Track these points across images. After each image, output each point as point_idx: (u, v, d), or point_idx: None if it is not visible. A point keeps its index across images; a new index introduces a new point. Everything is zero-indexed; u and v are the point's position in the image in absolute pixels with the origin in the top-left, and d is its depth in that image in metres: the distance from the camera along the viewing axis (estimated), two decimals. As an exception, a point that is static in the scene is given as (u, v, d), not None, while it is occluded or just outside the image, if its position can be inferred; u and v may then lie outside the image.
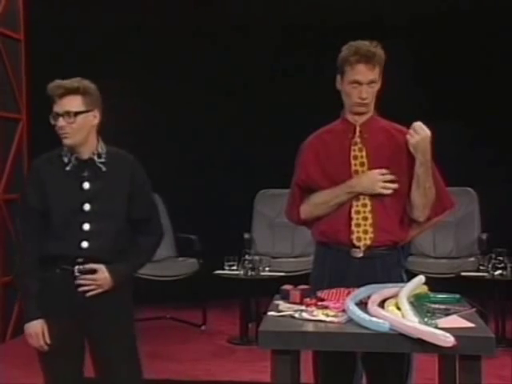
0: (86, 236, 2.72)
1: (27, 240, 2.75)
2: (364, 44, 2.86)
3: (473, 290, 4.45)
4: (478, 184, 5.89)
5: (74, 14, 5.78)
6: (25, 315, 2.76)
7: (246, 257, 5.27)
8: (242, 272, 5.21)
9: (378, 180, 2.86)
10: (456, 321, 2.42)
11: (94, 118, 2.75)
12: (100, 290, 2.72)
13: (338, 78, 2.91)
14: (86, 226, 2.72)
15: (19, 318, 5.49)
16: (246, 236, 5.97)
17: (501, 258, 5.00)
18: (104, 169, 2.75)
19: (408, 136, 2.85)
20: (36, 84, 5.69)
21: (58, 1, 5.72)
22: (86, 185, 2.73)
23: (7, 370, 4.55)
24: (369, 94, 2.86)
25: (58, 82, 2.74)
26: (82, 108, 2.71)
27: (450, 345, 2.21)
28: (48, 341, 2.71)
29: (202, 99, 6.23)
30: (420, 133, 2.83)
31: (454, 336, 2.22)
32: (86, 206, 2.72)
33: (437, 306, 2.55)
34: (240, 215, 6.02)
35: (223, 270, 5.29)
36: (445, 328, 2.28)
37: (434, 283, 2.82)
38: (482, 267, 5.15)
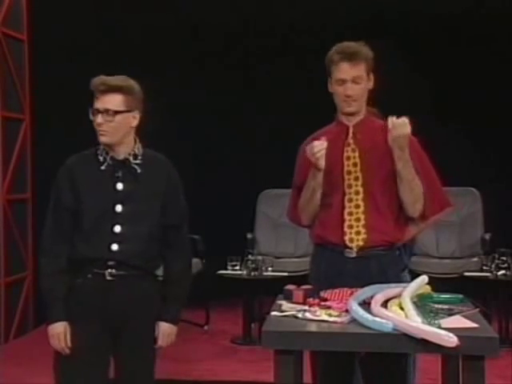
0: (117, 238, 2.66)
1: (56, 241, 2.68)
2: (347, 43, 2.90)
3: (476, 290, 4.45)
4: (482, 184, 5.88)
5: (77, 14, 5.78)
6: (48, 316, 2.70)
7: (249, 257, 5.27)
8: (244, 272, 5.21)
9: (311, 154, 2.83)
10: (459, 321, 2.42)
11: (133, 118, 2.72)
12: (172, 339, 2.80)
13: (329, 80, 2.93)
14: (117, 228, 2.66)
15: (22, 318, 5.51)
16: (249, 236, 5.97)
17: (504, 258, 5.00)
18: (139, 170, 2.72)
19: (391, 124, 2.82)
20: (39, 84, 5.71)
21: (61, 1, 5.72)
22: (120, 185, 2.69)
23: (11, 370, 4.56)
24: (354, 90, 2.87)
25: (102, 77, 2.69)
26: (122, 107, 2.67)
27: (453, 345, 2.21)
28: (69, 344, 2.66)
29: (203, 99, 6.23)
30: (398, 130, 2.80)
31: (458, 336, 2.22)
32: (118, 208, 2.67)
33: (440, 306, 2.55)
34: (243, 215, 6.02)
35: (226, 270, 5.30)
36: (448, 328, 2.28)
37: (437, 283, 2.81)
38: (485, 267, 5.14)
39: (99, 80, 2.68)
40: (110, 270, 2.67)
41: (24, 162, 5.67)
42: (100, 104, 2.67)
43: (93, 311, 2.67)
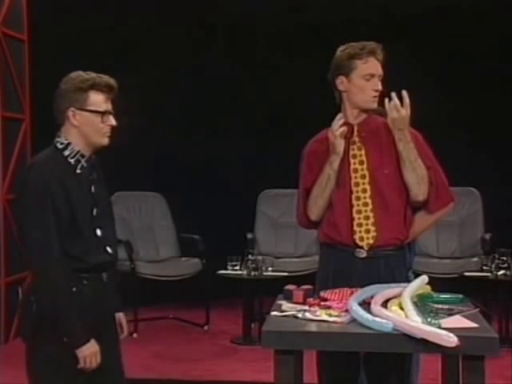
0: (104, 242, 2.60)
1: (60, 254, 2.48)
2: (365, 42, 2.90)
3: (476, 290, 4.45)
4: (482, 184, 5.88)
5: (77, 14, 5.79)
6: (74, 338, 2.50)
7: (249, 257, 5.27)
8: (244, 272, 5.21)
9: (332, 140, 2.86)
10: (459, 321, 2.42)
11: None
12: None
13: (342, 78, 2.91)
14: (99, 232, 2.60)
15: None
16: (249, 236, 5.97)
17: (504, 258, 4.99)
18: (98, 171, 2.66)
19: (388, 108, 2.82)
20: (39, 84, 5.71)
21: (61, 1, 5.72)
22: (93, 188, 2.61)
23: (11, 370, 4.56)
24: (380, 87, 2.89)
25: (106, 77, 2.58)
26: None
27: (453, 345, 2.21)
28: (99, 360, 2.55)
29: (203, 100, 6.23)
30: (401, 112, 2.81)
31: (458, 336, 2.21)
32: (94, 211, 2.60)
33: (440, 306, 2.55)
34: (243, 215, 6.02)
35: (226, 270, 5.29)
36: (448, 328, 2.28)
37: (437, 283, 2.81)
38: (485, 267, 5.14)
39: (108, 80, 2.59)
40: (105, 273, 2.62)
41: (24, 162, 5.64)
42: (109, 105, 2.59)
43: (88, 316, 2.57)
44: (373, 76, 2.87)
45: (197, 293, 5.73)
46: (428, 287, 2.73)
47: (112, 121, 2.58)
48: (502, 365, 4.30)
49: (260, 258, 5.33)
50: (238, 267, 5.25)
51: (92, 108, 2.55)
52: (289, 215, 5.51)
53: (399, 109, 2.80)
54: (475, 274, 5.25)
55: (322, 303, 2.59)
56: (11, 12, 5.48)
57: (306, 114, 5.55)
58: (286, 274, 5.28)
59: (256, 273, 5.20)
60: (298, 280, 3.10)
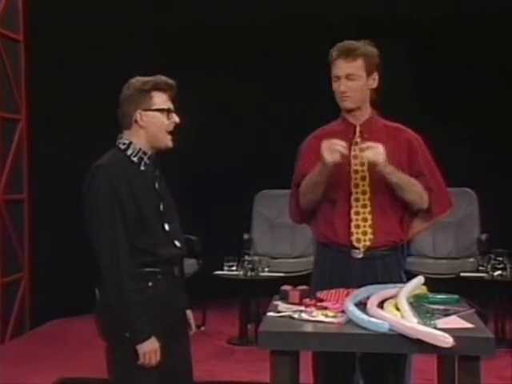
0: (171, 236, 2.65)
1: (126, 252, 2.52)
2: (347, 41, 2.91)
3: (472, 291, 4.44)
4: (478, 185, 5.89)
5: (73, 14, 5.77)
6: (135, 335, 2.52)
7: (246, 257, 5.27)
8: (241, 273, 5.22)
9: (329, 149, 2.78)
10: (455, 321, 2.42)
11: None
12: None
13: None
14: (167, 227, 2.64)
15: (18, 319, 5.50)
16: (246, 237, 5.97)
17: (500, 259, 5.00)
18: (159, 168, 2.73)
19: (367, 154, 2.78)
20: (35, 85, 5.70)
21: (57, 1, 5.71)
22: (157, 184, 2.67)
23: (7, 371, 4.55)
24: (348, 87, 2.87)
25: (164, 77, 2.71)
26: None
27: (448, 345, 2.21)
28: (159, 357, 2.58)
29: (201, 99, 6.23)
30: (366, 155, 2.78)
31: (453, 336, 2.22)
32: (161, 206, 2.65)
33: (436, 306, 2.56)
34: (240, 216, 6.02)
35: (223, 270, 5.29)
36: (444, 328, 2.28)
37: (433, 284, 2.82)
38: (481, 268, 5.15)
39: (168, 79, 2.70)
40: (176, 267, 2.68)
41: (20, 163, 5.66)
42: (171, 103, 2.66)
43: (162, 310, 2.63)
44: (339, 77, 2.88)
45: (193, 293, 5.70)
46: (424, 288, 2.74)
47: (176, 118, 2.65)
48: (500, 365, 4.31)
49: (256, 258, 5.34)
50: (234, 268, 5.26)
51: (157, 107, 2.62)
52: (285, 216, 5.42)
53: (373, 152, 2.74)
54: (471, 274, 5.25)
55: (318, 304, 2.59)
56: (7, 12, 5.48)
57: (306, 114, 5.55)
58: (282, 274, 5.28)
59: (252, 273, 5.21)
60: (294, 280, 3.09)
